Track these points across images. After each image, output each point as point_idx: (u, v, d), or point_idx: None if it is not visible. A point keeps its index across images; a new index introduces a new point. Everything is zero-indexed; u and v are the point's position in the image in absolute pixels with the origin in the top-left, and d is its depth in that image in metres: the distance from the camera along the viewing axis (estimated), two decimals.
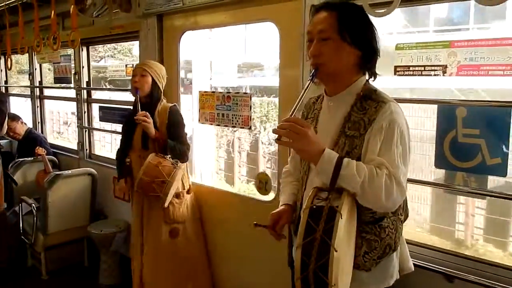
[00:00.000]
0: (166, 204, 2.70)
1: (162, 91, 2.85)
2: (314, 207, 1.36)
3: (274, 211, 1.69)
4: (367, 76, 1.56)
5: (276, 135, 1.37)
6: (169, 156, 2.67)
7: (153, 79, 2.76)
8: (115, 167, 3.01)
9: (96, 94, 4.50)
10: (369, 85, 1.55)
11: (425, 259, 1.95)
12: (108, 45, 7.25)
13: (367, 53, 1.49)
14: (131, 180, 2.84)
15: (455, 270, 1.86)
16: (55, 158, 4.40)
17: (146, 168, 2.59)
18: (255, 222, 1.66)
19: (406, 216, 1.62)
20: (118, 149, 3.00)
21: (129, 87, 3.02)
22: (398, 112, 1.45)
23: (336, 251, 1.27)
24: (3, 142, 4.58)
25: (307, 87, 1.44)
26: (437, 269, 1.88)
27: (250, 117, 2.70)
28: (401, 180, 1.38)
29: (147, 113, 2.64)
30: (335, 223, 1.29)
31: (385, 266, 1.52)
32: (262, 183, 2.73)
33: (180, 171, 2.68)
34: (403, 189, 1.40)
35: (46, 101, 5.22)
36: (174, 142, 2.70)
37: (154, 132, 2.65)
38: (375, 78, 1.57)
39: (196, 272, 2.93)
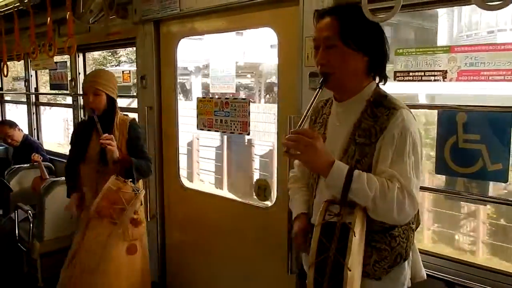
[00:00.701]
0: (120, 230, 2.56)
1: (117, 101, 2.69)
2: (326, 223, 1.32)
3: (298, 229, 1.61)
4: (377, 80, 1.53)
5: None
6: (130, 180, 2.52)
7: (107, 95, 2.58)
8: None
9: None
10: (380, 90, 1.51)
11: (426, 266, 1.94)
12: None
13: (374, 58, 1.47)
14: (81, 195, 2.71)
15: (456, 277, 1.85)
16: (51, 165, 4.37)
17: (106, 192, 2.42)
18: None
19: (418, 224, 1.58)
20: (68, 160, 2.85)
21: (124, 94, 2.95)
22: (410, 120, 1.42)
23: (350, 270, 1.24)
24: None
25: (316, 95, 1.42)
26: (438, 276, 1.87)
27: (249, 123, 2.69)
28: (413, 193, 1.35)
29: (112, 136, 2.49)
30: (349, 241, 1.27)
31: (396, 275, 1.49)
32: (261, 190, 2.71)
33: (139, 199, 2.54)
34: (415, 202, 1.36)
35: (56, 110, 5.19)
36: (137, 160, 2.56)
37: (117, 155, 2.48)
38: (385, 82, 1.54)
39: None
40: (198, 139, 7.37)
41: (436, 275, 1.88)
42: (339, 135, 1.50)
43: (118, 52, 10.24)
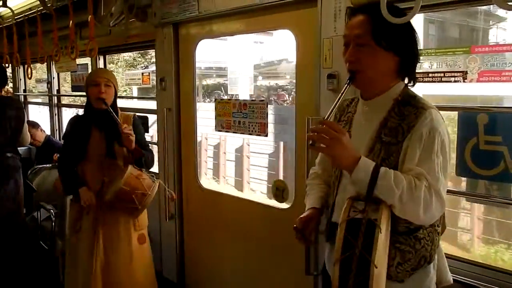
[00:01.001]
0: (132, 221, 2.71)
1: None
2: (351, 219, 1.30)
3: (303, 215, 1.62)
4: (405, 81, 1.51)
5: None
6: (144, 169, 2.66)
7: (115, 88, 2.70)
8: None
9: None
10: (408, 90, 1.49)
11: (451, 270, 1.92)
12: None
13: (405, 58, 1.45)
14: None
15: (475, 280, 1.83)
16: None
17: (128, 178, 2.51)
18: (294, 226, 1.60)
19: (444, 228, 1.55)
20: (63, 159, 2.84)
21: (143, 96, 2.97)
22: (439, 120, 1.39)
23: (376, 267, 1.23)
24: (22, 149, 4.66)
25: (344, 91, 1.40)
26: (462, 281, 1.84)
27: (267, 124, 2.70)
28: (441, 192, 1.33)
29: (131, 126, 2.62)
30: (375, 238, 1.24)
31: (420, 278, 1.45)
32: (279, 191, 2.72)
33: (157, 186, 2.64)
34: (443, 202, 1.34)
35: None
36: (146, 152, 2.70)
37: (133, 145, 2.57)
38: (415, 83, 1.51)
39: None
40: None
41: (458, 279, 1.85)
42: (364, 133, 1.47)
43: (149, 53, 10.32)
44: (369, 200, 1.31)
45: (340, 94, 1.40)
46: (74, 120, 2.85)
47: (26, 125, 3.83)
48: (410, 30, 1.45)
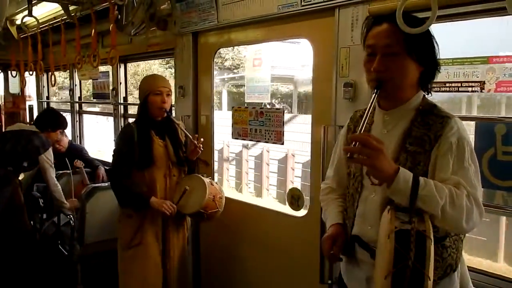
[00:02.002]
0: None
1: None
2: (399, 230, 1.26)
3: (327, 235, 1.60)
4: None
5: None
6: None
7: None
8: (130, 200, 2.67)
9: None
10: (427, 100, 1.50)
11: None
12: None
13: (429, 69, 1.45)
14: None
15: None
16: (103, 170, 4.45)
17: (209, 188, 2.63)
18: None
19: (464, 235, 1.53)
20: (121, 170, 2.65)
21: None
22: (464, 129, 1.39)
23: (430, 279, 1.21)
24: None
25: (373, 100, 1.39)
26: None
27: (283, 132, 2.71)
28: (479, 200, 1.32)
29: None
30: (428, 249, 1.22)
31: (445, 287, 1.45)
32: (295, 199, 2.72)
33: (222, 187, 2.82)
34: (481, 210, 1.33)
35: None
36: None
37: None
38: (430, 93, 1.52)
39: None
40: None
41: None
42: (388, 143, 1.43)
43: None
44: (413, 210, 1.29)
45: (370, 104, 1.38)
46: (130, 129, 2.69)
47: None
48: (433, 41, 1.45)
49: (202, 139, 2.66)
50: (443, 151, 1.36)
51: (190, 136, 2.61)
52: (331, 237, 1.59)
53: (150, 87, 2.65)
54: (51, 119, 3.99)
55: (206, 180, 2.66)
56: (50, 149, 3.78)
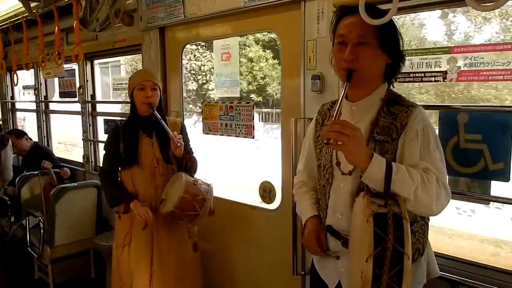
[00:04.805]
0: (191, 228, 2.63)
1: None
2: (375, 214, 1.28)
3: (310, 232, 1.63)
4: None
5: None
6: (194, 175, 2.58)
7: (160, 92, 2.58)
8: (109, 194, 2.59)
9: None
10: (392, 90, 1.53)
11: None
12: None
13: (395, 60, 1.49)
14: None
15: (460, 277, 1.85)
16: (59, 170, 4.37)
17: (187, 186, 2.42)
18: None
19: (429, 219, 1.58)
20: (106, 170, 2.61)
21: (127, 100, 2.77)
22: (427, 117, 1.44)
23: (409, 259, 1.24)
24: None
25: (345, 89, 1.41)
26: (442, 276, 1.87)
27: (253, 126, 2.71)
28: (446, 184, 1.37)
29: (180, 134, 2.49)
30: (405, 229, 1.25)
31: (414, 272, 1.46)
32: (266, 192, 2.73)
33: (213, 189, 2.56)
34: (449, 193, 1.37)
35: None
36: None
37: (182, 152, 2.49)
38: (393, 86, 1.56)
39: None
40: None
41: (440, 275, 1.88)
42: None
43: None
44: (388, 194, 1.32)
45: (343, 93, 1.40)
46: (117, 126, 2.61)
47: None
48: (397, 33, 1.48)
49: (179, 135, 2.46)
50: (410, 139, 1.40)
51: (170, 132, 2.42)
52: (314, 234, 1.62)
53: (134, 82, 2.55)
54: None
55: (188, 178, 2.47)
56: None
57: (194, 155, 2.68)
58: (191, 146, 2.71)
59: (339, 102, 1.37)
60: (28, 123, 6.08)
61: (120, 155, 2.55)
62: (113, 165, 2.61)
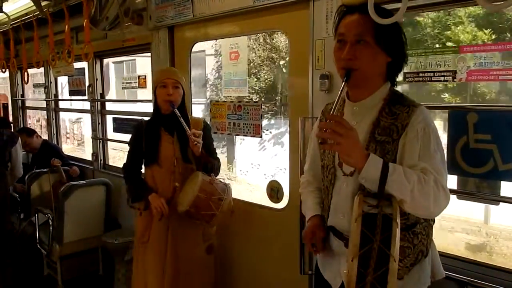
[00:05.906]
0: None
1: None
2: (365, 214, 1.28)
3: (307, 230, 1.64)
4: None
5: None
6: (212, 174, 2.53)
7: (183, 90, 2.54)
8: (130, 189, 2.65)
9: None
10: (395, 90, 1.52)
11: None
12: None
13: (396, 60, 1.48)
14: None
15: (468, 277, 1.84)
16: (68, 168, 4.40)
17: (202, 185, 2.38)
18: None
19: (434, 220, 1.56)
20: (129, 166, 2.65)
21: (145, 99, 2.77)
22: (430, 117, 1.42)
23: (395, 261, 1.23)
24: None
25: (343, 88, 1.41)
26: (449, 276, 1.86)
27: (261, 125, 2.71)
28: (446, 185, 1.35)
29: (200, 132, 2.44)
30: (393, 232, 1.24)
31: (418, 273, 1.47)
32: (274, 191, 2.73)
33: (231, 189, 2.52)
34: (448, 194, 1.35)
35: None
36: (214, 160, 2.58)
37: (200, 151, 2.44)
38: (395, 85, 1.55)
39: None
40: None
41: (448, 275, 1.87)
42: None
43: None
44: (382, 195, 1.31)
45: (340, 91, 1.40)
46: (141, 124, 2.65)
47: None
48: (401, 33, 1.48)
49: (194, 131, 2.39)
50: (410, 139, 1.38)
51: (187, 130, 2.38)
52: (310, 229, 1.63)
53: (156, 80, 2.56)
54: None
55: (205, 177, 2.43)
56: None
57: (218, 156, 2.67)
58: (214, 147, 2.69)
59: (336, 101, 1.37)
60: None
61: (142, 153, 2.58)
62: (136, 161, 2.63)
